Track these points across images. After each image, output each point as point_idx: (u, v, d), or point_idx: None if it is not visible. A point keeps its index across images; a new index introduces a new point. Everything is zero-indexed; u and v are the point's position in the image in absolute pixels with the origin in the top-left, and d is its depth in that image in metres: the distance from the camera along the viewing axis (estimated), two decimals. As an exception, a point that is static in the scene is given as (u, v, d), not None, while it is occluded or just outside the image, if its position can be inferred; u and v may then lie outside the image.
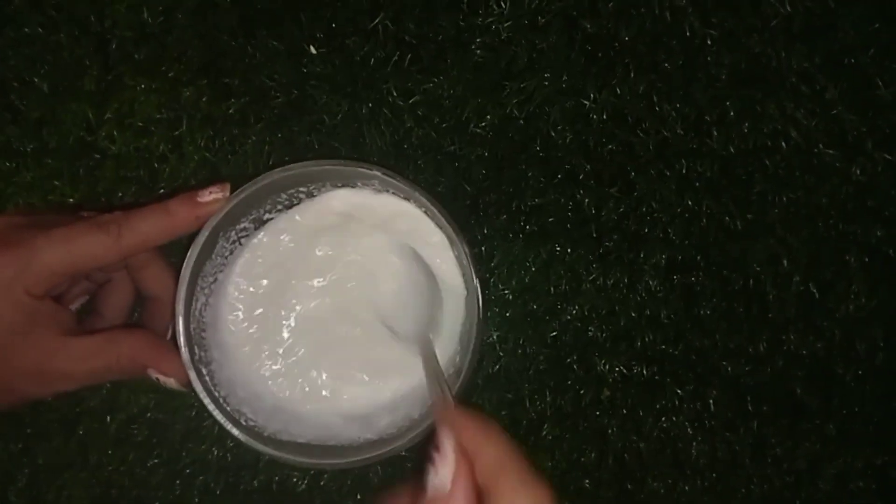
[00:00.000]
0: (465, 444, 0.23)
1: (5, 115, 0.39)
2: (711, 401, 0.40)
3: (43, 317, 0.32)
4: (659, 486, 0.39)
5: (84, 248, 0.31)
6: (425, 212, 0.33)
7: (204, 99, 0.39)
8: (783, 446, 0.40)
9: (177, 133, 0.39)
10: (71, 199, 0.39)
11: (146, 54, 0.39)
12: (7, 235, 0.31)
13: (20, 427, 0.39)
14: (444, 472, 0.22)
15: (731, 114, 0.40)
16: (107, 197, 0.39)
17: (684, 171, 0.40)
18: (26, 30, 0.39)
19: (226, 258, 0.34)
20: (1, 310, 0.30)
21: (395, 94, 0.39)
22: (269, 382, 0.34)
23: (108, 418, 0.39)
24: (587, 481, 0.39)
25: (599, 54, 0.40)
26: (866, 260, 0.40)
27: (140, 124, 0.39)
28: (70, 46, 0.39)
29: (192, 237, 0.32)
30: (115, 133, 0.39)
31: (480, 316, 0.31)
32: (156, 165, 0.39)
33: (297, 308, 0.35)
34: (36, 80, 0.39)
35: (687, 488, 0.40)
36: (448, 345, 0.34)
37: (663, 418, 0.40)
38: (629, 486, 0.39)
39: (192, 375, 0.31)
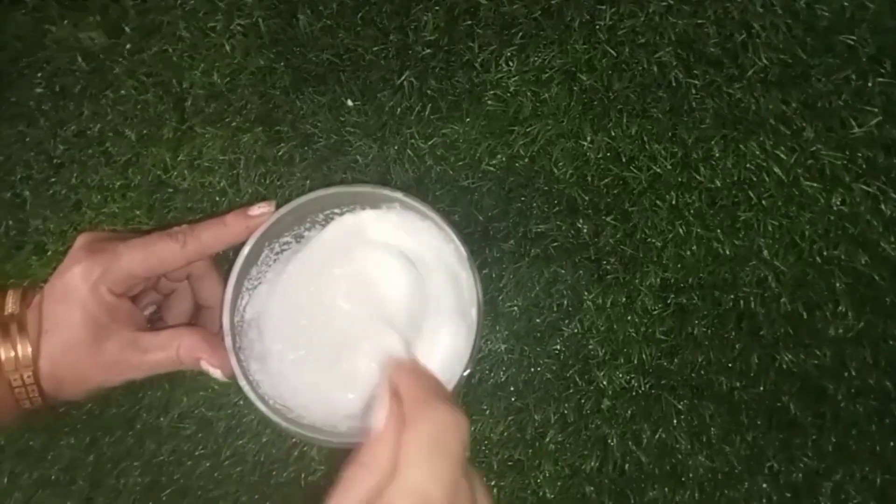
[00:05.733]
0: (399, 389, 0.28)
1: (101, 158, 0.48)
2: (707, 414, 0.42)
3: (121, 313, 0.38)
4: (658, 495, 0.41)
5: (156, 253, 0.37)
6: (439, 230, 0.39)
7: (259, 143, 0.47)
8: (779, 459, 0.41)
9: (235, 171, 0.47)
10: (145, 226, 0.47)
11: (214, 108, 0.47)
12: (95, 245, 0.38)
13: (89, 421, 0.45)
14: (379, 412, 0.27)
15: (716, 152, 0.45)
16: (175, 224, 0.47)
17: (674, 202, 0.45)
18: (122, 92, 0.49)
19: (269, 266, 0.40)
20: (89, 304, 0.37)
21: (417, 137, 0.46)
22: (297, 372, 0.39)
23: (163, 415, 0.44)
24: (590, 488, 0.42)
25: (595, 102, 0.46)
26: (852, 283, 0.43)
27: (206, 164, 0.47)
28: (155, 104, 0.48)
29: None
30: (185, 172, 0.47)
31: (482, 320, 0.36)
32: (217, 198, 0.47)
33: (324, 314, 0.40)
34: (126, 130, 0.48)
35: (686, 499, 0.41)
36: (453, 348, 0.39)
37: (661, 429, 0.42)
38: (629, 494, 0.42)
39: (233, 359, 0.36)
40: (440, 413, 0.27)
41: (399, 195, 0.38)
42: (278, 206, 0.39)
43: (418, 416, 0.27)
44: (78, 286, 0.37)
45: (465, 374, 0.36)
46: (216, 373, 0.38)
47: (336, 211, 0.40)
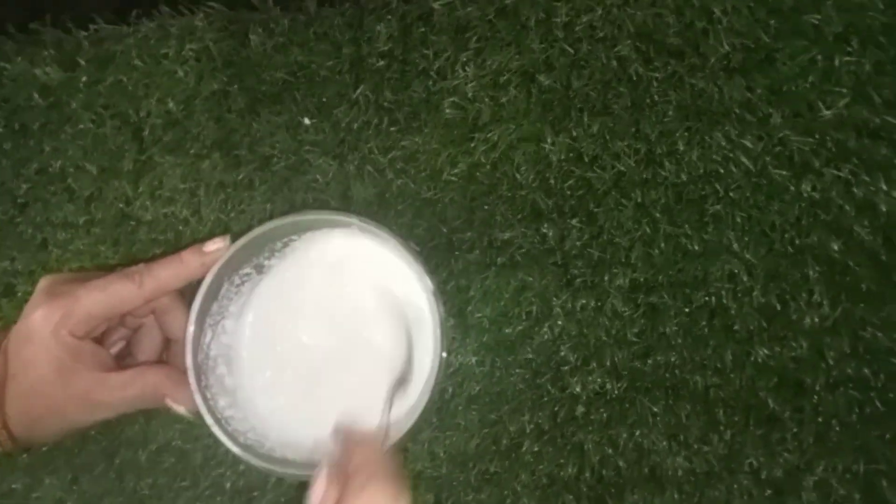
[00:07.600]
0: (345, 465, 0.29)
1: (64, 195, 0.48)
2: (684, 414, 0.42)
3: (85, 354, 0.38)
4: (637, 499, 0.41)
5: (115, 294, 0.38)
6: (396, 251, 0.38)
7: (218, 169, 0.46)
8: (759, 456, 0.41)
9: (196, 199, 0.46)
10: (111, 262, 0.47)
11: (172, 136, 0.47)
12: (55, 288, 0.39)
13: (70, 459, 0.45)
14: (315, 489, 0.29)
15: (680, 145, 0.44)
16: (141, 257, 0.47)
17: (640, 200, 0.44)
18: (81, 126, 0.48)
19: (231, 299, 0.40)
20: (52, 348, 0.37)
21: (376, 152, 0.46)
22: (268, 405, 0.39)
23: (142, 449, 0.45)
24: (568, 496, 0.42)
25: (555, 103, 0.45)
26: (826, 271, 0.42)
27: (167, 194, 0.47)
28: (113, 135, 0.48)
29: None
30: (147, 203, 0.47)
31: (443, 341, 0.36)
32: (180, 228, 0.47)
33: (291, 344, 0.40)
34: (87, 165, 0.48)
35: (665, 501, 0.41)
36: (418, 367, 0.38)
37: (637, 432, 0.42)
38: (608, 500, 0.41)
39: (198, 399, 0.36)
40: (383, 487, 0.28)
41: (355, 219, 0.38)
42: (240, 234, 0.39)
43: (357, 495, 0.28)
44: (40, 331, 0.38)
45: (432, 393, 0.36)
46: (180, 409, 0.38)
47: (294, 238, 0.40)
